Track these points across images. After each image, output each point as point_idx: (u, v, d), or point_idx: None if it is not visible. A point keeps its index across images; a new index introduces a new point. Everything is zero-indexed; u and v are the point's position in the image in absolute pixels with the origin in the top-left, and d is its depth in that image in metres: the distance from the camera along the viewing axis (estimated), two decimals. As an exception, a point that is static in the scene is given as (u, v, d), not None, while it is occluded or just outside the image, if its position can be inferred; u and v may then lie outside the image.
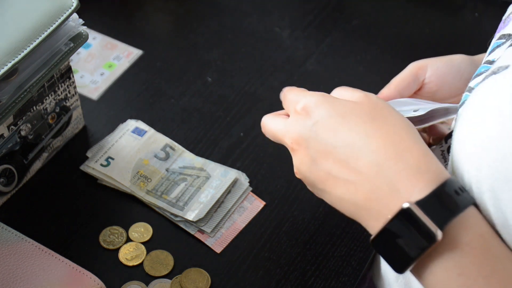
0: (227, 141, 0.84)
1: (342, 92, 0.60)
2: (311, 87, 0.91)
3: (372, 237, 0.53)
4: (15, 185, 0.77)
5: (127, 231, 0.75)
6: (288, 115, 0.62)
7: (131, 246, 0.74)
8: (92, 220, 0.76)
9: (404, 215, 0.51)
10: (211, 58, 0.93)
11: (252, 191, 0.79)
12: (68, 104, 0.80)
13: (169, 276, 0.72)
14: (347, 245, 0.76)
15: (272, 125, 0.62)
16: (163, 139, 0.82)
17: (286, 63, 0.93)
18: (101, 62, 0.91)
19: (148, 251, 0.74)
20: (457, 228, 0.51)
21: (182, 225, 0.76)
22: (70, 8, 0.71)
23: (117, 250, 0.74)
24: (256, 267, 0.74)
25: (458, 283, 0.51)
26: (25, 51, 0.67)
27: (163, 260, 0.73)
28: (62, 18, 0.70)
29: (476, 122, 0.54)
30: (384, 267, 0.75)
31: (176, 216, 0.76)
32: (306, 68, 0.92)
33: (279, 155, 0.82)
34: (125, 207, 0.78)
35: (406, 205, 0.51)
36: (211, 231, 0.75)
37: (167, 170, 0.80)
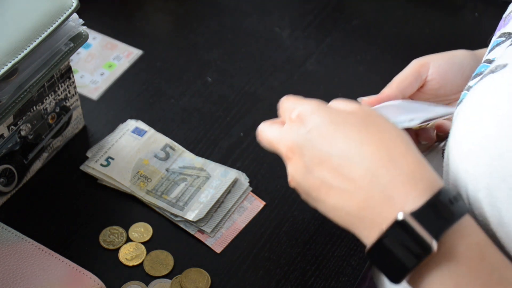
0: (227, 141, 0.84)
1: (337, 103, 0.60)
2: (311, 87, 0.91)
3: (367, 249, 0.53)
4: (15, 185, 0.77)
5: (127, 231, 0.75)
6: (284, 123, 0.61)
7: (131, 246, 0.74)
8: (92, 220, 0.76)
9: (399, 226, 0.50)
10: (211, 58, 0.93)
11: (252, 191, 0.79)
12: (68, 104, 0.80)
13: (169, 276, 0.72)
14: (347, 245, 0.76)
15: (267, 132, 0.61)
16: (163, 139, 0.82)
17: (286, 63, 0.93)
18: (101, 62, 0.91)
19: (148, 251, 0.74)
20: (452, 237, 0.50)
21: (182, 225, 0.76)
22: (70, 8, 0.71)
23: (117, 250, 0.74)
24: (256, 267, 0.74)
25: None
26: (25, 51, 0.67)
27: (163, 260, 0.73)
28: (62, 18, 0.70)
29: (474, 121, 0.54)
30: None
31: (176, 216, 0.76)
32: (306, 68, 0.92)
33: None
34: (125, 207, 0.78)
35: (400, 216, 0.50)
36: (211, 231, 0.75)
37: (167, 170, 0.80)
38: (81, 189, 0.79)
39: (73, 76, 0.79)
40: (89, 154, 0.81)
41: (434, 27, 0.98)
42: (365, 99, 0.72)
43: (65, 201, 0.78)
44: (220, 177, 0.79)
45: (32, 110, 0.75)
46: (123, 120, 0.84)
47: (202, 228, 0.75)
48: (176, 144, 0.82)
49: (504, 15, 0.66)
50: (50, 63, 0.72)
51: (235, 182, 0.79)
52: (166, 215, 0.76)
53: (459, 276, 0.50)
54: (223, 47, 0.94)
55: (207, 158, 0.81)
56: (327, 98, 0.89)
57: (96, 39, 0.94)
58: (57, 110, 0.79)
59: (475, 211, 0.54)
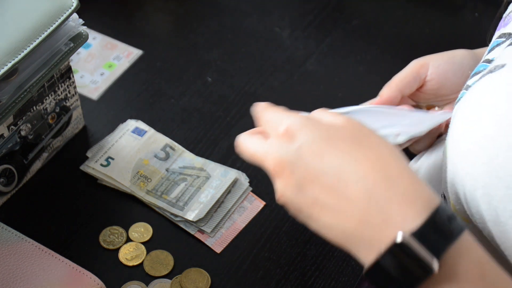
0: (227, 141, 0.84)
1: (322, 115, 0.57)
2: (311, 87, 0.91)
3: (365, 269, 0.51)
4: (15, 185, 0.77)
5: (127, 231, 0.75)
6: (263, 133, 0.59)
7: (131, 246, 0.74)
8: (92, 220, 0.76)
9: (398, 247, 0.49)
10: (211, 58, 0.93)
11: (252, 191, 0.79)
12: (68, 104, 0.80)
13: (169, 276, 0.72)
14: (347, 245, 0.75)
15: (249, 145, 0.58)
16: (163, 139, 0.82)
17: (286, 63, 0.93)
18: (101, 62, 0.91)
19: (148, 251, 0.74)
20: (453, 256, 0.49)
21: (182, 225, 0.76)
22: (70, 8, 0.71)
23: (117, 250, 0.74)
24: (256, 267, 0.74)
25: None
26: (25, 51, 0.67)
27: (163, 260, 0.73)
28: (62, 18, 0.70)
29: (472, 120, 0.54)
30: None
31: (176, 216, 0.76)
32: (306, 68, 0.92)
33: (279, 155, 0.82)
34: (125, 207, 0.78)
35: (400, 237, 0.49)
36: (211, 231, 0.75)
37: (167, 170, 0.80)
38: (81, 189, 0.79)
39: (73, 76, 0.79)
40: (89, 154, 0.81)
41: (434, 27, 0.98)
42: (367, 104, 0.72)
43: (65, 201, 0.78)
44: (220, 177, 0.79)
45: (32, 110, 0.75)
46: (123, 120, 0.84)
47: (202, 228, 0.75)
48: (176, 144, 0.82)
49: (504, 15, 0.66)
50: (50, 63, 0.72)
51: (235, 182, 0.79)
52: (166, 215, 0.76)
53: None
54: (223, 47, 0.94)
55: (207, 158, 0.81)
56: (327, 98, 0.90)
57: (96, 39, 0.94)
58: (57, 110, 0.79)
59: (472, 210, 0.54)
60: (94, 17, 0.96)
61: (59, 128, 0.80)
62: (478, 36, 0.95)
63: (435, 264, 0.48)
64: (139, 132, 0.83)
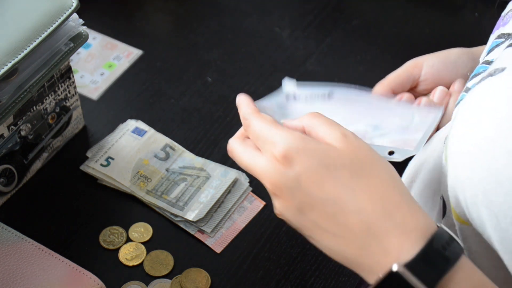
0: (227, 141, 0.83)
1: (318, 128, 0.56)
2: (311, 87, 0.91)
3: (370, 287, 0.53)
4: (15, 185, 0.77)
5: (127, 231, 0.75)
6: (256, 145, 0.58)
7: (131, 246, 0.74)
8: (92, 220, 0.76)
9: (395, 277, 0.50)
10: (211, 58, 0.93)
11: (252, 191, 0.79)
12: (68, 104, 0.80)
13: (169, 276, 0.72)
14: (347, 245, 0.75)
15: (242, 156, 0.58)
16: (163, 139, 0.82)
17: (286, 63, 0.93)
18: (101, 62, 0.91)
19: (148, 251, 0.74)
20: (449, 284, 0.50)
21: (182, 225, 0.76)
22: (70, 8, 0.71)
23: (117, 250, 0.74)
24: (256, 267, 0.74)
25: None
26: (25, 51, 0.67)
27: (163, 260, 0.73)
28: (62, 18, 0.70)
29: (472, 123, 0.54)
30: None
31: (176, 216, 0.76)
32: (306, 68, 0.92)
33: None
34: (125, 207, 0.78)
35: (395, 268, 0.50)
36: (211, 231, 0.75)
37: (167, 170, 0.80)
38: (81, 189, 0.79)
39: (73, 76, 0.79)
40: (89, 154, 0.81)
41: (434, 27, 0.98)
42: None
43: (65, 201, 0.78)
44: (220, 177, 0.79)
45: (32, 110, 0.75)
46: (123, 120, 0.84)
47: (202, 228, 0.75)
48: (176, 144, 0.82)
49: (503, 13, 0.66)
50: (50, 63, 0.72)
51: (235, 182, 0.79)
52: (166, 215, 0.76)
53: None
54: (223, 47, 0.94)
55: (207, 158, 0.81)
56: (327, 98, 0.90)
57: (96, 39, 0.94)
58: (57, 110, 0.79)
59: (472, 214, 0.54)
60: (94, 17, 0.96)
61: (59, 128, 0.80)
62: (478, 36, 0.95)
63: None
64: (139, 132, 0.83)
